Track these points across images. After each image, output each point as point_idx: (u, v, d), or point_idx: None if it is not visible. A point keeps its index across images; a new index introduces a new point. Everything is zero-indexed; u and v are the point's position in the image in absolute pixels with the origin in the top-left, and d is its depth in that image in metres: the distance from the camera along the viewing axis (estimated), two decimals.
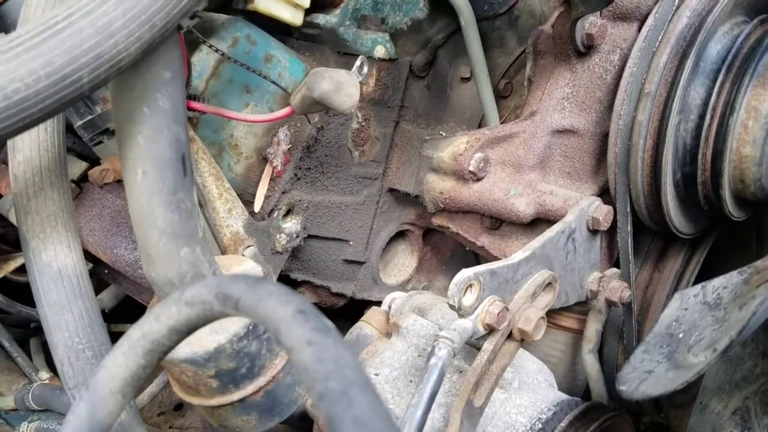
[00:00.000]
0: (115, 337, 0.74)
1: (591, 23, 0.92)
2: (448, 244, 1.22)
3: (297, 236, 0.98)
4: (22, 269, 1.14)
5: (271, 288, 0.44)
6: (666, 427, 1.20)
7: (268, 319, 0.42)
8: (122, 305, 1.25)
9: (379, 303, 1.02)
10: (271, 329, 0.42)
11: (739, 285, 0.75)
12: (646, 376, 0.72)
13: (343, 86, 0.75)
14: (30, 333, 1.25)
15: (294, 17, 0.79)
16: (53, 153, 0.65)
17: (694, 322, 0.75)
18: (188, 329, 0.52)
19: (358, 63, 0.78)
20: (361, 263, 1.13)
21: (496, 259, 1.03)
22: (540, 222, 1.00)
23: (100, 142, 0.78)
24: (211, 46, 0.78)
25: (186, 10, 0.54)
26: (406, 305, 0.99)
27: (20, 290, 1.18)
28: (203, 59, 0.86)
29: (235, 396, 0.73)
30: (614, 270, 0.98)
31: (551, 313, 0.99)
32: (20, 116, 0.48)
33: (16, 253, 1.12)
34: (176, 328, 0.52)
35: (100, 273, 1.09)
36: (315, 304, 1.13)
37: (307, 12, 0.90)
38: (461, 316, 0.78)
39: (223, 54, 0.80)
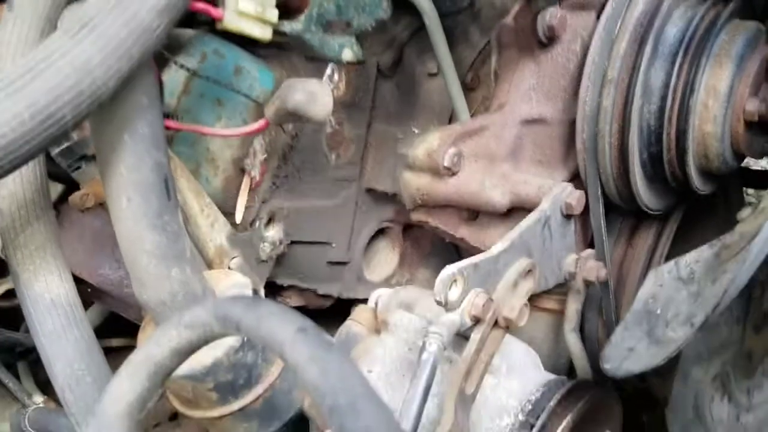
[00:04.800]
0: (105, 352, 0.75)
1: (551, 15, 0.95)
2: (428, 238, 1.24)
3: (280, 243, 0.99)
4: (4, 295, 1.14)
5: (271, 307, 0.46)
6: (648, 393, 1.24)
7: (271, 339, 0.44)
8: (107, 321, 1.25)
9: (365, 300, 1.04)
10: (274, 348, 0.44)
11: (710, 259, 0.78)
12: (628, 353, 0.75)
13: (317, 96, 0.77)
14: (17, 357, 1.25)
15: (263, 33, 0.80)
16: (36, 185, 0.66)
17: (670, 297, 0.79)
18: (190, 350, 0.54)
19: (328, 71, 0.80)
20: (344, 263, 1.15)
21: (475, 249, 1.06)
22: (516, 210, 1.02)
23: (79, 168, 0.78)
24: (182, 66, 0.78)
25: (161, 39, 0.55)
26: (392, 301, 1.01)
27: (4, 315, 1.18)
28: (173, 76, 0.86)
29: (235, 406, 0.75)
30: (589, 251, 1.02)
31: (532, 297, 1.02)
32: (9, 158, 0.49)
33: None
34: (178, 350, 0.53)
35: (82, 292, 1.10)
36: (302, 307, 1.15)
37: None
38: (448, 310, 0.81)
39: (193, 72, 0.80)
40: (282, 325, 0.44)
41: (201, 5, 0.73)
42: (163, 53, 0.81)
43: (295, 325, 0.43)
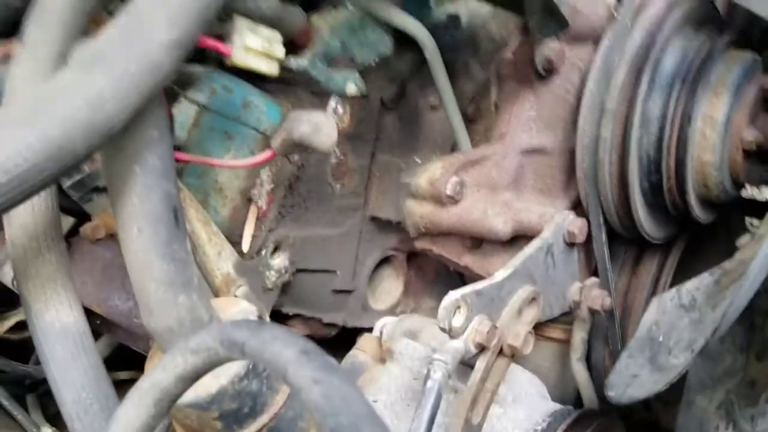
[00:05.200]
0: (113, 384, 0.76)
1: (549, 48, 0.97)
2: (432, 266, 1.25)
3: (286, 272, 1.00)
4: (14, 327, 1.15)
5: (275, 331, 0.47)
6: (656, 424, 1.23)
7: (274, 362, 0.45)
8: (117, 353, 1.26)
9: (370, 329, 1.05)
10: (278, 371, 0.45)
11: (711, 286, 0.79)
12: (632, 380, 0.76)
13: (321, 127, 0.79)
14: (26, 390, 1.25)
15: (270, 68, 0.83)
16: (47, 216, 0.68)
17: (672, 324, 0.79)
18: (195, 376, 0.55)
19: (332, 104, 0.82)
20: (349, 292, 1.16)
21: (479, 277, 1.07)
22: (519, 239, 1.03)
23: (90, 200, 0.80)
24: (192, 101, 0.81)
25: (171, 74, 0.58)
26: (397, 329, 1.01)
27: (14, 348, 1.19)
28: (183, 111, 0.89)
29: None
30: (594, 279, 1.02)
31: (538, 326, 1.03)
32: (21, 188, 0.51)
33: (8, 312, 1.13)
34: (183, 376, 0.54)
35: (92, 324, 1.11)
36: (307, 336, 1.16)
37: None
38: (452, 337, 0.82)
39: (203, 107, 0.83)
40: (285, 348, 0.45)
41: (210, 42, 0.75)
42: (174, 88, 0.83)
43: (299, 348, 0.44)
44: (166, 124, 0.64)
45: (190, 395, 0.70)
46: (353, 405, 0.40)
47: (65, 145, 0.52)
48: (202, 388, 0.70)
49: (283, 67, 0.99)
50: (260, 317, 0.81)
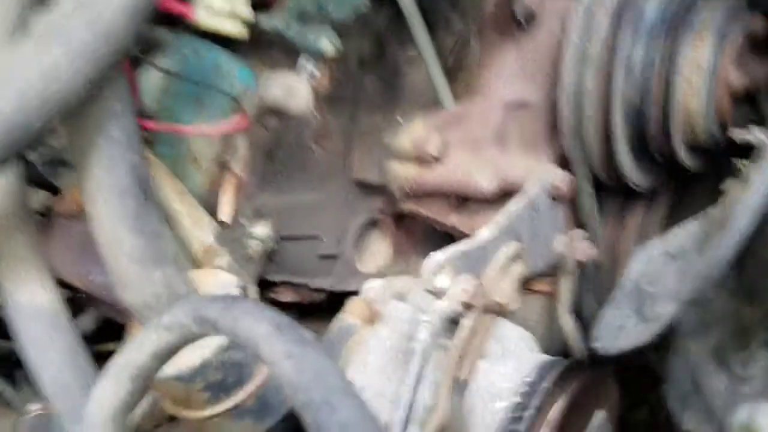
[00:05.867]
0: (101, 356, 0.75)
1: None
2: (419, 227, 1.23)
3: (269, 239, 0.99)
4: None
5: (247, 306, 0.46)
6: (652, 370, 1.24)
7: (246, 337, 0.44)
8: (104, 325, 1.25)
9: (358, 293, 1.04)
10: (250, 347, 0.44)
11: (697, 233, 0.78)
12: (618, 331, 0.75)
13: (294, 90, 0.77)
14: (13, 366, 1.25)
15: (236, 29, 0.80)
16: (14, 195, 0.66)
17: (658, 273, 0.79)
18: (170, 353, 0.54)
19: (305, 64, 0.79)
20: (336, 256, 1.14)
21: (467, 236, 1.06)
22: (505, 195, 1.02)
23: (62, 175, 0.78)
24: (160, 67, 0.78)
25: (128, 41, 0.55)
26: (385, 291, 1.01)
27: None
28: (152, 78, 0.86)
29: (227, 404, 0.76)
30: (579, 231, 1.01)
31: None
32: None
33: None
34: (158, 353, 0.53)
35: (78, 300, 1.10)
36: (296, 302, 1.15)
37: None
38: (438, 297, 0.81)
39: (172, 73, 0.80)
40: (258, 323, 0.44)
41: (171, 3, 0.72)
42: (141, 56, 0.80)
43: (271, 322, 0.43)
44: (128, 95, 0.62)
45: (174, 369, 0.69)
46: (327, 379, 0.39)
47: (20, 120, 0.50)
48: (186, 361, 0.70)
49: (255, 28, 0.96)
50: (244, 287, 0.80)
